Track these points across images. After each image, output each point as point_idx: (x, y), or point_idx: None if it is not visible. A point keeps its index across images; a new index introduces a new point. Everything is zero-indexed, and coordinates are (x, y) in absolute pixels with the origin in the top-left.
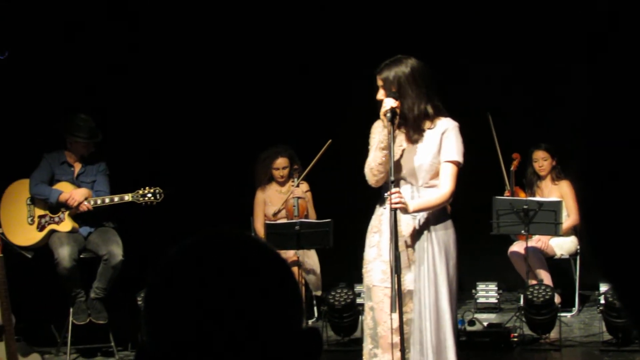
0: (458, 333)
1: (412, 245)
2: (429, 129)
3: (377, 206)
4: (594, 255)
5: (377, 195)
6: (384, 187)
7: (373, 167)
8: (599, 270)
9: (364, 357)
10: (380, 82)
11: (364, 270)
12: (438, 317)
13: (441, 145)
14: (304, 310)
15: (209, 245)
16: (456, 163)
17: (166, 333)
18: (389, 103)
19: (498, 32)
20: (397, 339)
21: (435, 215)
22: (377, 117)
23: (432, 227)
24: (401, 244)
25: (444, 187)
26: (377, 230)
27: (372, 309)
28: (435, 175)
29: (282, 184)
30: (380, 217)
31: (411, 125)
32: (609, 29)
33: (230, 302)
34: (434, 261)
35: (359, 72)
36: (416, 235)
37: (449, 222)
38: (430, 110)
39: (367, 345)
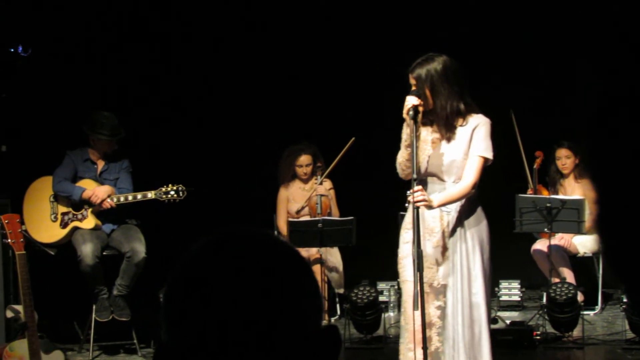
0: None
1: (446, 240)
2: (460, 126)
3: (407, 203)
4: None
5: (401, 192)
6: (419, 183)
7: (401, 162)
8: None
9: (400, 351)
10: (413, 81)
11: (399, 266)
12: (472, 311)
13: (471, 141)
14: (323, 308)
15: (227, 243)
16: (483, 158)
17: (184, 332)
18: (411, 101)
19: (522, 26)
20: (428, 333)
21: (468, 210)
22: (401, 114)
23: (465, 221)
24: (436, 239)
25: (466, 178)
26: (411, 227)
27: (405, 303)
28: None
29: (305, 181)
30: (411, 213)
31: (444, 123)
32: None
33: (249, 301)
34: (467, 255)
35: (385, 68)
36: (450, 231)
37: (482, 216)
38: (462, 107)
39: (403, 339)
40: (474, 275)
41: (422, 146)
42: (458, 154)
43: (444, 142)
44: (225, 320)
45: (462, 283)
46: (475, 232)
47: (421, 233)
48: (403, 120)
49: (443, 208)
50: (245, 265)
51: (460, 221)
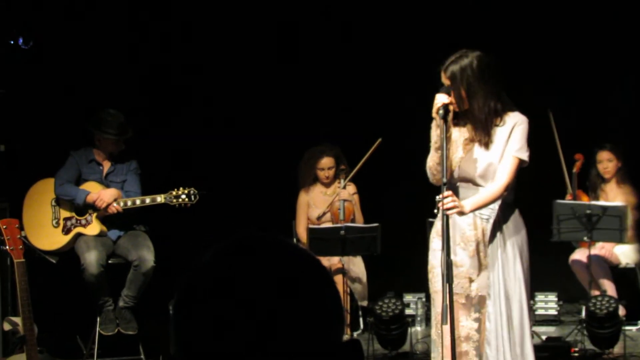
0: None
1: (484, 251)
2: (497, 126)
3: (436, 209)
4: None
5: (430, 198)
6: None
7: (431, 166)
8: None
9: None
10: (446, 81)
11: (429, 276)
12: (517, 324)
13: (509, 140)
14: (344, 321)
15: (241, 250)
16: (519, 159)
17: (196, 345)
18: (440, 99)
19: (561, 21)
20: (465, 347)
21: (505, 215)
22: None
23: (504, 229)
24: (472, 248)
25: (499, 179)
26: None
27: (439, 316)
28: None
29: (327, 185)
30: (441, 220)
31: (482, 125)
32: None
33: (265, 312)
34: (509, 267)
35: (414, 65)
36: (487, 237)
37: (521, 223)
38: (499, 107)
39: (433, 354)
40: (515, 287)
41: (452, 148)
42: (495, 156)
43: (478, 145)
44: (239, 333)
45: (503, 295)
46: (515, 241)
47: (457, 241)
48: (432, 119)
49: (479, 214)
50: (261, 273)
51: (498, 228)
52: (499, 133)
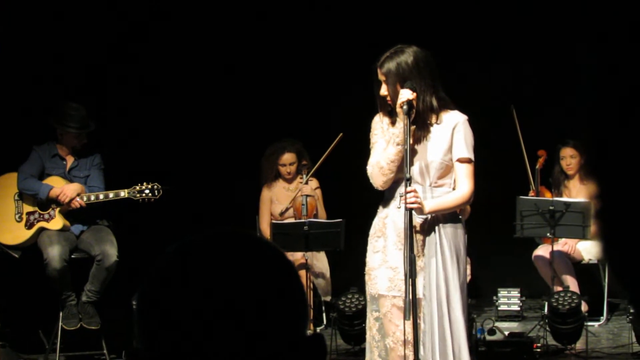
0: (475, 342)
1: (421, 251)
2: (435, 123)
3: (380, 207)
4: (608, 258)
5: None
6: (390, 188)
7: (384, 166)
8: (614, 274)
9: None
10: (382, 77)
11: (367, 278)
12: (451, 326)
13: (452, 142)
14: (308, 315)
15: (208, 245)
16: (470, 160)
17: (160, 339)
18: (405, 95)
19: (522, 19)
20: (404, 351)
21: (444, 217)
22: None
23: (441, 230)
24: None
25: (462, 187)
26: (382, 235)
27: (378, 320)
28: (445, 173)
29: (289, 181)
30: (385, 220)
31: (416, 120)
32: None
33: (230, 307)
34: (444, 267)
35: (373, 61)
36: (424, 239)
37: (459, 221)
38: (435, 103)
39: (372, 358)
40: (451, 288)
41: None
42: (437, 154)
43: (418, 143)
44: (203, 327)
45: (439, 296)
46: (452, 241)
47: (393, 241)
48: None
49: (416, 214)
50: (226, 267)
51: (435, 229)
52: (437, 132)
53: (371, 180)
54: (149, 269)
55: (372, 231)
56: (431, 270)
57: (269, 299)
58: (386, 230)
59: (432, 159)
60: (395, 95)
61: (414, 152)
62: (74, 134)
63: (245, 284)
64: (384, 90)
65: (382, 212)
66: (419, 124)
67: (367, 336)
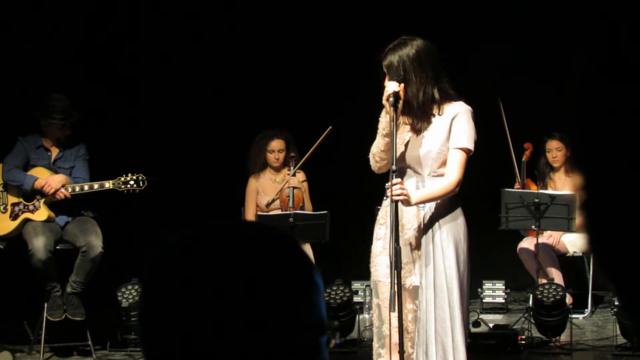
0: (469, 334)
1: (419, 239)
2: (437, 114)
3: (385, 197)
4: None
5: (379, 186)
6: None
7: (375, 153)
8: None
9: (373, 357)
10: (385, 70)
11: (370, 265)
12: (447, 316)
13: (450, 132)
14: (322, 323)
15: (217, 238)
16: (465, 150)
17: (160, 341)
18: (391, 87)
19: (513, 12)
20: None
21: (443, 206)
22: (381, 103)
23: (440, 219)
24: (409, 236)
25: (450, 175)
26: (384, 222)
27: (379, 307)
28: (443, 164)
29: (277, 170)
30: (387, 209)
31: (416, 112)
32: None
33: (242, 305)
34: (443, 256)
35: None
36: (423, 228)
37: (459, 212)
38: (437, 94)
39: (374, 344)
40: (450, 277)
41: (400, 135)
42: (434, 144)
43: (417, 133)
44: (213, 329)
45: (436, 284)
46: (450, 229)
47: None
48: (381, 107)
49: (403, 205)
50: (238, 262)
51: (434, 217)
52: (438, 122)
53: (370, 164)
54: (147, 267)
55: (377, 219)
56: (428, 258)
57: (286, 297)
58: (387, 219)
59: (430, 148)
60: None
61: (414, 143)
62: (58, 125)
63: (259, 279)
64: (387, 82)
65: (385, 201)
66: (419, 116)
67: (373, 322)
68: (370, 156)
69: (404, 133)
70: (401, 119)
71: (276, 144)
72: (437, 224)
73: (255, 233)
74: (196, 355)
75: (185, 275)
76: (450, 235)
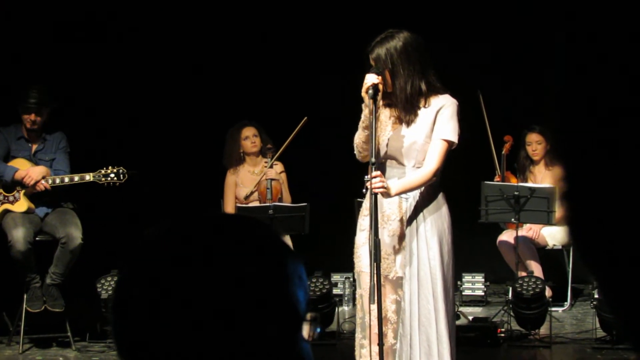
0: (455, 326)
1: (403, 230)
2: (423, 107)
3: (365, 189)
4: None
5: (358, 178)
6: (378, 166)
7: (357, 144)
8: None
9: (355, 347)
10: (372, 62)
11: (354, 256)
12: (431, 307)
13: (435, 123)
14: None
15: (188, 231)
16: (447, 142)
17: (137, 339)
18: (370, 79)
19: (491, 4)
20: (383, 329)
21: (427, 195)
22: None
23: (424, 209)
24: (392, 228)
25: (428, 164)
26: (368, 213)
27: (362, 297)
28: None
29: (255, 157)
30: (369, 199)
31: (403, 105)
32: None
33: (225, 302)
34: (427, 247)
35: (338, 45)
36: (407, 219)
37: (442, 201)
38: (423, 87)
39: (357, 335)
40: (434, 268)
41: (381, 128)
42: (419, 136)
43: (404, 125)
44: (184, 322)
45: (420, 275)
46: (434, 220)
47: (378, 220)
48: (362, 99)
49: (383, 197)
50: (214, 256)
51: (418, 208)
52: (424, 114)
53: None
54: (124, 262)
55: (361, 209)
56: (412, 249)
57: (263, 288)
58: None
59: (415, 139)
60: (385, 79)
61: (399, 135)
62: (33, 110)
63: (235, 270)
64: (367, 74)
65: (369, 192)
66: (406, 108)
67: (357, 314)
68: (354, 146)
69: (387, 127)
70: (388, 112)
71: (249, 130)
72: (421, 215)
73: (232, 224)
74: (169, 347)
75: (161, 268)
76: (434, 227)
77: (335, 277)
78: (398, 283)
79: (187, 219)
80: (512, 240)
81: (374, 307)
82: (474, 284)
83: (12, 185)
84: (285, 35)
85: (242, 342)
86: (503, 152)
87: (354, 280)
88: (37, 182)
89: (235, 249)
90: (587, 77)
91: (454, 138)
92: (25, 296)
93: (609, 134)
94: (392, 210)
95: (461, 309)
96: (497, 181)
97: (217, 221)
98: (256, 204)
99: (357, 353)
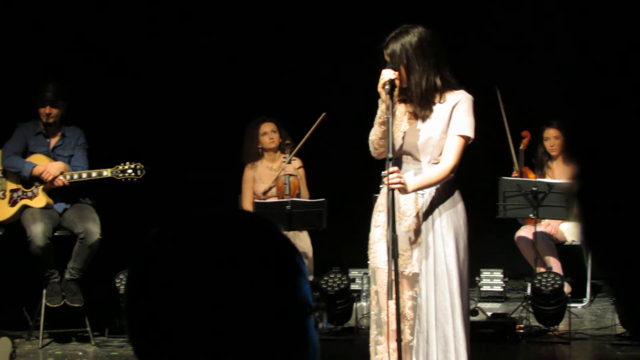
0: (469, 322)
1: (419, 226)
2: (438, 103)
3: (382, 184)
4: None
5: (376, 173)
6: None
7: (373, 140)
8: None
9: (370, 344)
10: (387, 58)
11: (369, 252)
12: (447, 303)
13: (451, 119)
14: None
15: (193, 228)
16: (464, 137)
17: (149, 334)
18: (387, 74)
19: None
20: (401, 325)
21: (443, 191)
22: (376, 89)
23: (439, 205)
24: (408, 224)
25: (445, 161)
26: (383, 209)
27: (377, 293)
28: None
29: (274, 152)
30: (386, 195)
31: (419, 100)
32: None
33: (226, 295)
34: (443, 243)
35: (356, 41)
36: (423, 215)
37: (458, 197)
38: (438, 82)
39: (372, 331)
40: (450, 264)
41: (397, 123)
42: (435, 132)
43: (419, 120)
44: (193, 317)
45: (436, 272)
46: (450, 216)
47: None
48: (378, 95)
49: (400, 193)
50: (219, 252)
51: (434, 204)
52: (439, 110)
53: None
54: (132, 257)
55: (375, 205)
56: (428, 244)
57: (269, 282)
58: (386, 206)
59: (431, 135)
60: (401, 74)
61: (415, 130)
62: (49, 102)
63: (241, 265)
64: (383, 70)
65: (384, 187)
66: (422, 104)
67: (371, 310)
68: (369, 143)
69: (403, 122)
70: (403, 108)
71: (267, 126)
72: (437, 211)
73: (236, 220)
74: (181, 342)
75: (168, 264)
76: (450, 223)
77: (353, 273)
78: (414, 279)
79: (193, 216)
80: (530, 236)
81: (392, 303)
82: (492, 279)
83: (31, 180)
84: (306, 32)
85: (256, 334)
86: (521, 147)
87: None
88: (55, 177)
89: (241, 244)
90: (602, 78)
91: (471, 133)
92: (44, 291)
93: (623, 133)
94: (408, 206)
95: (480, 304)
96: (515, 177)
97: (222, 217)
98: (274, 199)
99: (372, 350)
